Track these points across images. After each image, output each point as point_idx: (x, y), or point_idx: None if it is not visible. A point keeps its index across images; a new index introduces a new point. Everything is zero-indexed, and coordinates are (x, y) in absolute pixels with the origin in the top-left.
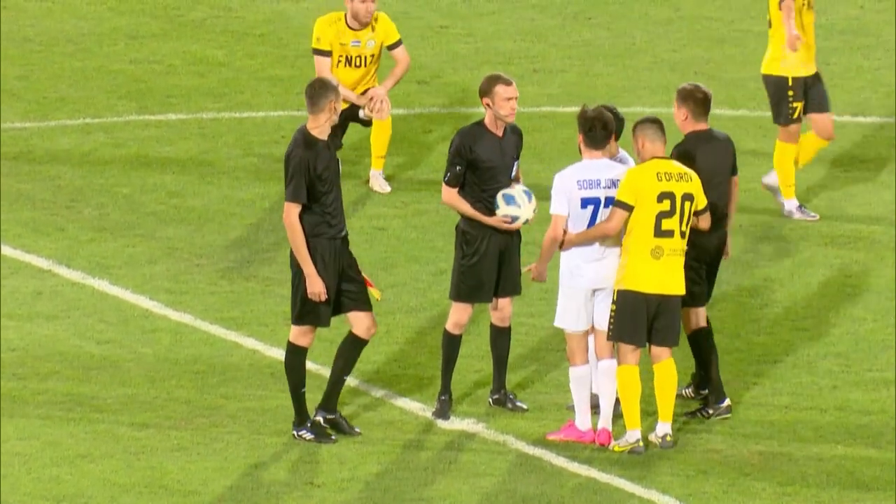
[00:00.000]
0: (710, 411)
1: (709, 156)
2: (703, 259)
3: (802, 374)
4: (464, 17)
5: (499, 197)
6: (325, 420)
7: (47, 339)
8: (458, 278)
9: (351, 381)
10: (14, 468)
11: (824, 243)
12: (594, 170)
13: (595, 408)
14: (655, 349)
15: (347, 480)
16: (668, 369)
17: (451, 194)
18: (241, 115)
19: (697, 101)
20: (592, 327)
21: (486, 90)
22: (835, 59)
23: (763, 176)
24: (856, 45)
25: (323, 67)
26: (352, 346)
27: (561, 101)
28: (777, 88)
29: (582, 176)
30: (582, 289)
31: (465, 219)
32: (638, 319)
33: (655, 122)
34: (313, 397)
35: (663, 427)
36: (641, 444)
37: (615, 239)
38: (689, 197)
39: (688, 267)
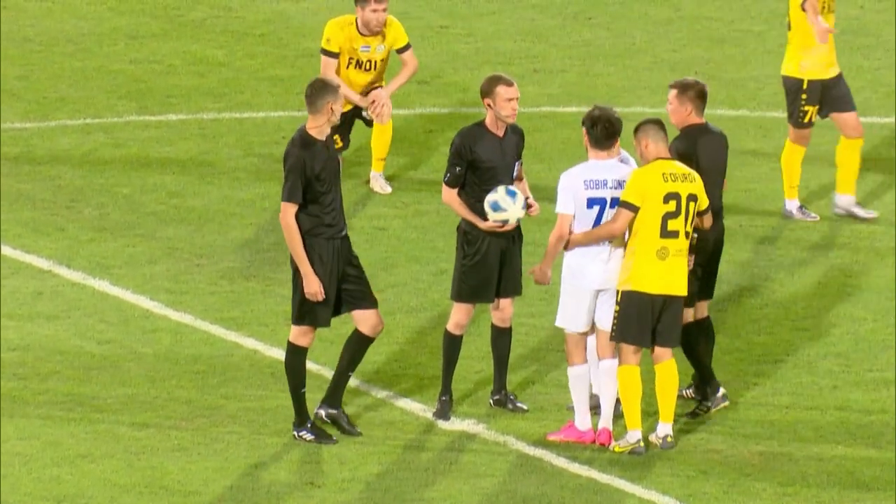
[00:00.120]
0: (709, 405)
1: (708, 149)
2: (701, 256)
3: (802, 374)
4: (464, 17)
5: (486, 205)
6: (327, 415)
7: (48, 339)
8: (460, 279)
9: (351, 381)
10: (14, 468)
11: (824, 243)
12: (601, 170)
13: (595, 408)
14: (657, 349)
15: (348, 481)
16: (670, 370)
17: (450, 195)
18: (242, 116)
19: (700, 94)
20: (593, 327)
21: (487, 91)
22: None
23: (835, 197)
24: (856, 45)
25: (328, 68)
26: (357, 344)
27: (561, 101)
28: (792, 90)
29: (588, 176)
30: (585, 289)
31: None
32: (643, 320)
33: (658, 123)
34: (313, 397)
35: (664, 428)
36: (642, 444)
37: (619, 240)
38: (693, 197)
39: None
